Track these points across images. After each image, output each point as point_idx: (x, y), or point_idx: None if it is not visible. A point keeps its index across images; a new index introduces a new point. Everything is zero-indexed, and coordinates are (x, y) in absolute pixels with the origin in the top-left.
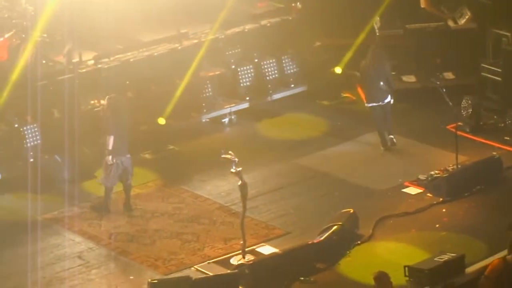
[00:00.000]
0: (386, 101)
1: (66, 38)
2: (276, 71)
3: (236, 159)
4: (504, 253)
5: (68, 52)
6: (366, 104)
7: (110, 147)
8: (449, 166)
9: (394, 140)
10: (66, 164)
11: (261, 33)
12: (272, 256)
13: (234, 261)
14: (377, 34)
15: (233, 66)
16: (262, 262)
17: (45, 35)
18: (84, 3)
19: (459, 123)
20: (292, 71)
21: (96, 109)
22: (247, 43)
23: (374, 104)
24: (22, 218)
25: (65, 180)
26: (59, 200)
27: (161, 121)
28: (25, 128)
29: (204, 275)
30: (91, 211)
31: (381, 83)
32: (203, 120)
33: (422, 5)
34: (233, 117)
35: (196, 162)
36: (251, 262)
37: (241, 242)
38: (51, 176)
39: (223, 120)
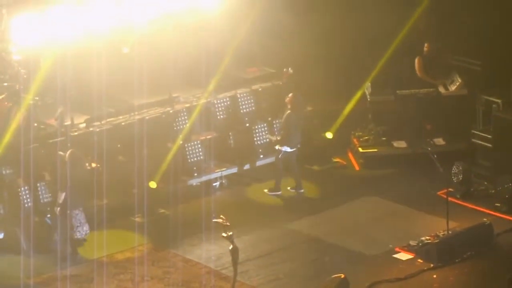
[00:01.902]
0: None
1: (58, 101)
2: (267, 135)
3: (228, 223)
4: None
5: (60, 115)
6: (284, 149)
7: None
8: (440, 232)
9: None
10: (57, 227)
11: (252, 97)
12: None
13: None
14: (368, 100)
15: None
16: None
17: (37, 98)
18: (77, 67)
19: (450, 189)
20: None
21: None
22: (238, 107)
23: (294, 149)
24: (14, 281)
25: (56, 243)
26: (50, 263)
27: (152, 184)
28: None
29: None
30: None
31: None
32: (194, 184)
33: (417, 71)
34: (224, 181)
35: (186, 225)
36: None
37: None
38: (42, 239)
39: (214, 184)
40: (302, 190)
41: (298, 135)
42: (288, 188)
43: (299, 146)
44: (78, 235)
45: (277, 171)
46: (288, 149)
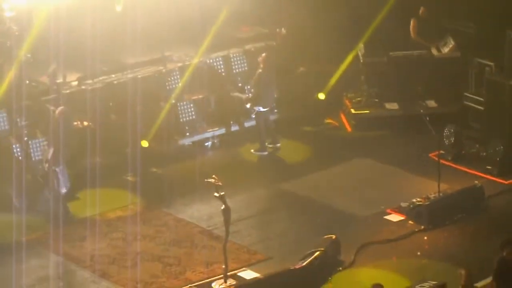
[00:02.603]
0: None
1: (51, 58)
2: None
3: (220, 183)
4: (485, 281)
5: (52, 73)
6: (257, 108)
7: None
8: (431, 194)
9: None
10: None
11: (245, 57)
12: (254, 281)
13: (216, 285)
14: (361, 61)
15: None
16: (244, 287)
17: (29, 55)
18: (71, 24)
19: (441, 151)
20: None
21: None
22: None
23: (267, 108)
24: (6, 240)
25: (47, 200)
26: (43, 221)
27: (144, 143)
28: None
29: None
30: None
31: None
32: (186, 144)
33: (412, 33)
34: (216, 141)
35: (178, 185)
36: (233, 286)
37: (223, 266)
38: (34, 196)
39: (206, 144)
40: (278, 144)
41: (271, 94)
42: (252, 150)
43: (273, 105)
44: (63, 191)
45: (258, 130)
46: (261, 109)
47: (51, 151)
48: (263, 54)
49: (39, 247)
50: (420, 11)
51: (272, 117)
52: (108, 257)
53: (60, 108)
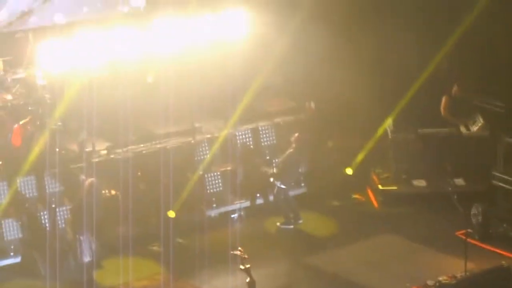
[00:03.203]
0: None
1: (81, 127)
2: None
3: (246, 256)
4: None
5: (82, 141)
6: (278, 184)
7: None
8: (458, 273)
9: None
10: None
11: (273, 130)
12: None
13: None
14: (390, 137)
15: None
16: None
17: (60, 123)
18: (101, 94)
19: (469, 230)
20: (302, 170)
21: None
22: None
23: (286, 187)
24: None
25: (72, 268)
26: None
27: (171, 214)
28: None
29: None
30: None
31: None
32: (213, 215)
33: (442, 110)
34: (242, 213)
35: (204, 256)
36: None
37: None
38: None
39: (232, 216)
40: (300, 221)
41: (295, 173)
42: (278, 223)
43: (292, 184)
44: (86, 259)
45: (277, 205)
46: (282, 185)
47: (76, 222)
48: (296, 134)
49: None
50: (453, 90)
51: (300, 191)
52: None
53: (90, 180)
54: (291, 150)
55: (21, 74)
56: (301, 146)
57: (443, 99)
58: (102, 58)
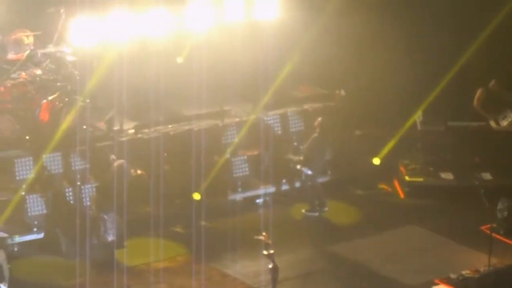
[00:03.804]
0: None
1: (110, 105)
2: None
3: (269, 241)
4: None
5: (110, 119)
6: (305, 171)
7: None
8: (481, 268)
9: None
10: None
11: (302, 117)
12: None
13: None
14: (419, 128)
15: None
16: None
17: (88, 100)
18: (131, 73)
19: (494, 225)
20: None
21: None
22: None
23: (314, 172)
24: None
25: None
26: (89, 266)
27: (197, 196)
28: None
29: None
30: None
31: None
32: (238, 199)
33: (475, 101)
34: (267, 198)
35: (227, 240)
36: None
37: None
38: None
39: (257, 201)
40: (326, 209)
41: (321, 158)
42: (303, 210)
43: (322, 169)
44: (110, 238)
45: (304, 192)
46: (309, 172)
47: (101, 201)
48: (319, 119)
49: None
50: (491, 84)
51: (325, 179)
52: None
53: (119, 161)
54: (315, 135)
55: (51, 49)
56: (325, 130)
57: (478, 92)
58: (132, 36)
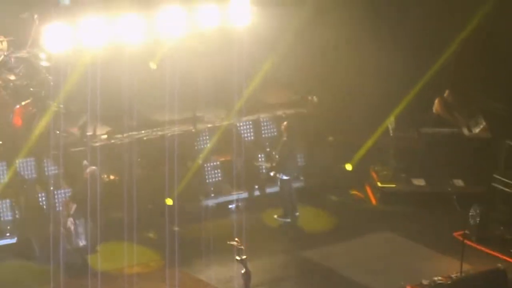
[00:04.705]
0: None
1: (83, 110)
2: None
3: (242, 247)
4: None
5: (83, 125)
6: (280, 176)
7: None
8: (453, 274)
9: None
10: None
11: (274, 123)
12: None
13: None
14: (391, 135)
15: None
16: None
17: (62, 105)
18: (104, 78)
19: (466, 231)
20: (301, 164)
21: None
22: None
23: (289, 177)
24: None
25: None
26: (61, 271)
27: (169, 201)
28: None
29: None
30: None
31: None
32: (210, 205)
33: (435, 109)
34: (240, 204)
35: (199, 245)
36: None
37: None
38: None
39: (230, 206)
40: (297, 213)
41: (293, 163)
42: (275, 216)
43: (295, 174)
44: (82, 243)
45: (282, 197)
46: (284, 177)
47: (73, 207)
48: (285, 123)
49: None
50: (445, 94)
51: (297, 185)
52: None
53: (91, 168)
54: (284, 139)
55: (25, 55)
56: (292, 133)
57: (436, 101)
58: (106, 41)
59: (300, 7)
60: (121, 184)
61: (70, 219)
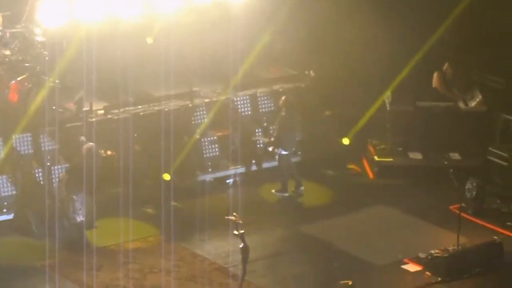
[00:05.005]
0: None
1: (79, 86)
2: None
3: (240, 221)
4: None
5: (79, 100)
6: (279, 151)
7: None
8: (450, 247)
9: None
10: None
11: (272, 97)
12: None
13: None
14: (388, 109)
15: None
16: None
17: (57, 81)
18: (100, 53)
19: (462, 205)
20: (298, 138)
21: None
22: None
23: (288, 151)
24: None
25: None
26: (60, 247)
27: (166, 176)
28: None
29: None
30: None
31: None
32: (208, 179)
33: (434, 84)
34: (237, 178)
35: (198, 220)
36: None
37: None
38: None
39: (227, 181)
40: (302, 188)
41: (292, 137)
42: (273, 190)
43: (294, 149)
44: (80, 218)
45: (280, 172)
46: (283, 151)
47: (71, 182)
48: (283, 97)
49: (55, 273)
50: (445, 67)
51: (295, 159)
52: None
53: (89, 144)
54: (283, 113)
55: (20, 30)
56: (291, 108)
57: (435, 75)
58: (102, 16)
59: None
60: (118, 159)
61: (68, 195)
